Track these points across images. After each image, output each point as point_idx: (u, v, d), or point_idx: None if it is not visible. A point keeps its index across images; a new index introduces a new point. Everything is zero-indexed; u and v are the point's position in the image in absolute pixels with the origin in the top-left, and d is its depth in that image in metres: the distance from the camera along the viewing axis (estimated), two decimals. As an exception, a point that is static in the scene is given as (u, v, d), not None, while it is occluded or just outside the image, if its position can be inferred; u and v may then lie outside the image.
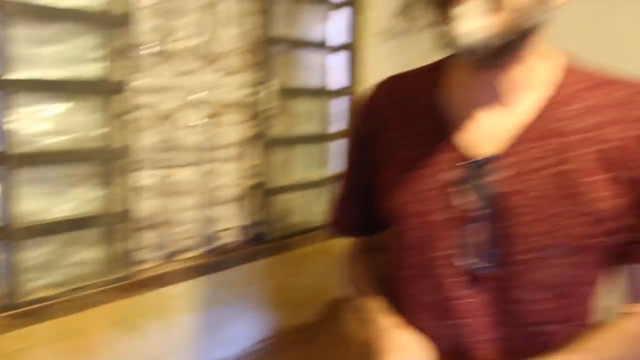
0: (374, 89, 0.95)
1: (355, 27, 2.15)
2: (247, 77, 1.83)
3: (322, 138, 2.15)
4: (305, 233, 2.09)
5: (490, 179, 0.77)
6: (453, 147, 0.80)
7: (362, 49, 2.18)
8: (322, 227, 2.17)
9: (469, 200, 0.78)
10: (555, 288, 0.78)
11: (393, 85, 0.93)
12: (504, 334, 0.81)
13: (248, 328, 1.90)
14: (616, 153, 0.75)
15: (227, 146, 1.82)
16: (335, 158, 2.19)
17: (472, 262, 0.79)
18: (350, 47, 2.17)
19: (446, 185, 0.80)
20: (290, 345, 1.97)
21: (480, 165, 0.78)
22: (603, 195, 0.75)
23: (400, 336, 0.84)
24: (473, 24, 0.68)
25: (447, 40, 0.71)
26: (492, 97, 0.79)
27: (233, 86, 1.81)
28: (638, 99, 0.76)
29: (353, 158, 0.99)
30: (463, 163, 0.79)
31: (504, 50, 0.72)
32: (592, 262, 0.78)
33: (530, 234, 0.76)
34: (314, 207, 2.18)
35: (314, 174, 2.15)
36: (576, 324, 0.81)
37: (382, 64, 2.24)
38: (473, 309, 0.80)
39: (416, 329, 0.85)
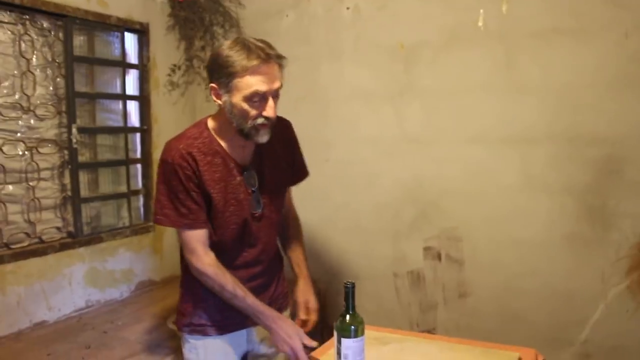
0: (175, 150, 1.59)
1: (145, 82, 3.02)
2: (56, 121, 2.62)
3: (123, 163, 2.96)
4: (113, 231, 2.86)
5: (253, 173, 1.68)
6: (237, 164, 1.65)
7: (150, 98, 3.05)
8: (128, 226, 2.96)
9: (250, 184, 1.67)
10: (281, 206, 1.81)
11: (187, 145, 1.60)
12: (270, 233, 1.77)
13: (68, 299, 2.61)
14: (287, 144, 1.79)
15: (43, 170, 2.57)
16: (133, 177, 3.02)
17: (256, 209, 1.69)
18: (142, 97, 3.03)
19: (241, 181, 1.66)
20: (102, 314, 2.68)
21: (250, 169, 1.68)
22: (288, 164, 1.78)
23: (286, 322, 1.64)
24: (266, 138, 1.59)
25: (251, 136, 1.58)
26: (241, 144, 1.65)
27: (46, 128, 2.58)
28: (284, 124, 1.78)
29: (183, 188, 1.59)
30: (244, 169, 1.67)
31: None
32: (285, 192, 1.85)
33: (268, 190, 1.71)
34: (121, 212, 2.97)
35: (119, 189, 2.95)
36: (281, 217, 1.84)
37: (167, 108, 3.13)
38: (259, 229, 1.71)
39: (238, 251, 1.70)
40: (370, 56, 2.77)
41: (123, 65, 2.93)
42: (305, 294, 1.81)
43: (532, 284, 2.53)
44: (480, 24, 2.52)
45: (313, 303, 1.80)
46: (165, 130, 3.10)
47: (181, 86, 3.20)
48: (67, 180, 2.66)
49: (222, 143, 1.64)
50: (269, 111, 1.54)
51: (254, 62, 1.48)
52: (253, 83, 1.49)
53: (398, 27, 2.69)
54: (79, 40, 2.73)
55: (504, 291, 2.60)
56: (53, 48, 2.61)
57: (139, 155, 3.06)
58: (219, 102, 1.57)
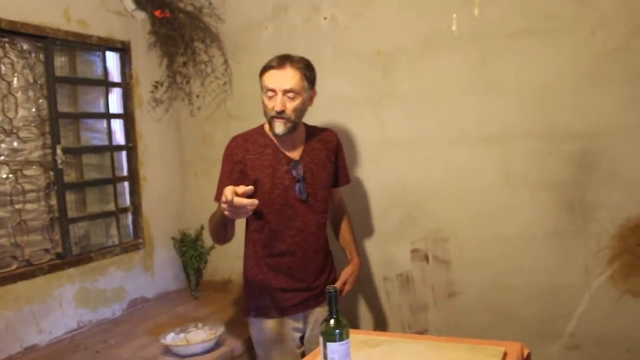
0: (234, 140, 2.10)
1: (128, 99, 3.05)
2: (40, 142, 2.63)
3: (110, 181, 2.98)
4: (102, 250, 2.87)
5: (300, 166, 2.07)
6: (286, 156, 2.08)
7: (135, 115, 3.07)
8: (117, 245, 2.97)
9: (297, 174, 2.05)
10: (325, 200, 2.18)
11: (244, 137, 2.11)
12: (314, 220, 2.13)
13: (59, 321, 2.62)
14: (331, 152, 2.22)
15: (29, 192, 2.58)
16: (121, 195, 3.03)
17: (301, 196, 2.07)
18: (126, 114, 3.05)
19: (288, 170, 2.06)
20: (95, 334, 2.69)
21: (297, 162, 2.07)
22: (331, 167, 2.20)
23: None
24: (280, 130, 2.00)
25: (272, 128, 2.04)
26: (291, 141, 2.09)
27: (30, 150, 2.59)
28: (331, 135, 2.27)
29: (230, 169, 2.04)
30: (292, 162, 2.07)
31: (293, 128, 2.04)
32: (329, 189, 2.22)
33: (312, 183, 2.11)
34: (109, 231, 2.98)
35: (107, 207, 2.96)
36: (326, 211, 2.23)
37: (151, 125, 3.16)
38: (304, 214, 2.10)
39: (285, 230, 2.08)
40: (349, 64, 2.81)
41: (106, 84, 2.95)
42: (345, 272, 2.28)
43: (519, 279, 2.57)
44: (454, 28, 2.57)
45: (347, 278, 2.28)
46: (150, 146, 3.12)
47: (165, 102, 3.22)
48: (53, 201, 2.68)
49: (274, 139, 2.08)
50: (276, 105, 1.96)
51: (271, 65, 1.99)
52: (266, 80, 1.99)
53: (374, 34, 2.74)
54: (60, 61, 2.75)
55: (492, 288, 2.63)
56: (34, 70, 2.63)
57: (125, 172, 3.08)
58: None
